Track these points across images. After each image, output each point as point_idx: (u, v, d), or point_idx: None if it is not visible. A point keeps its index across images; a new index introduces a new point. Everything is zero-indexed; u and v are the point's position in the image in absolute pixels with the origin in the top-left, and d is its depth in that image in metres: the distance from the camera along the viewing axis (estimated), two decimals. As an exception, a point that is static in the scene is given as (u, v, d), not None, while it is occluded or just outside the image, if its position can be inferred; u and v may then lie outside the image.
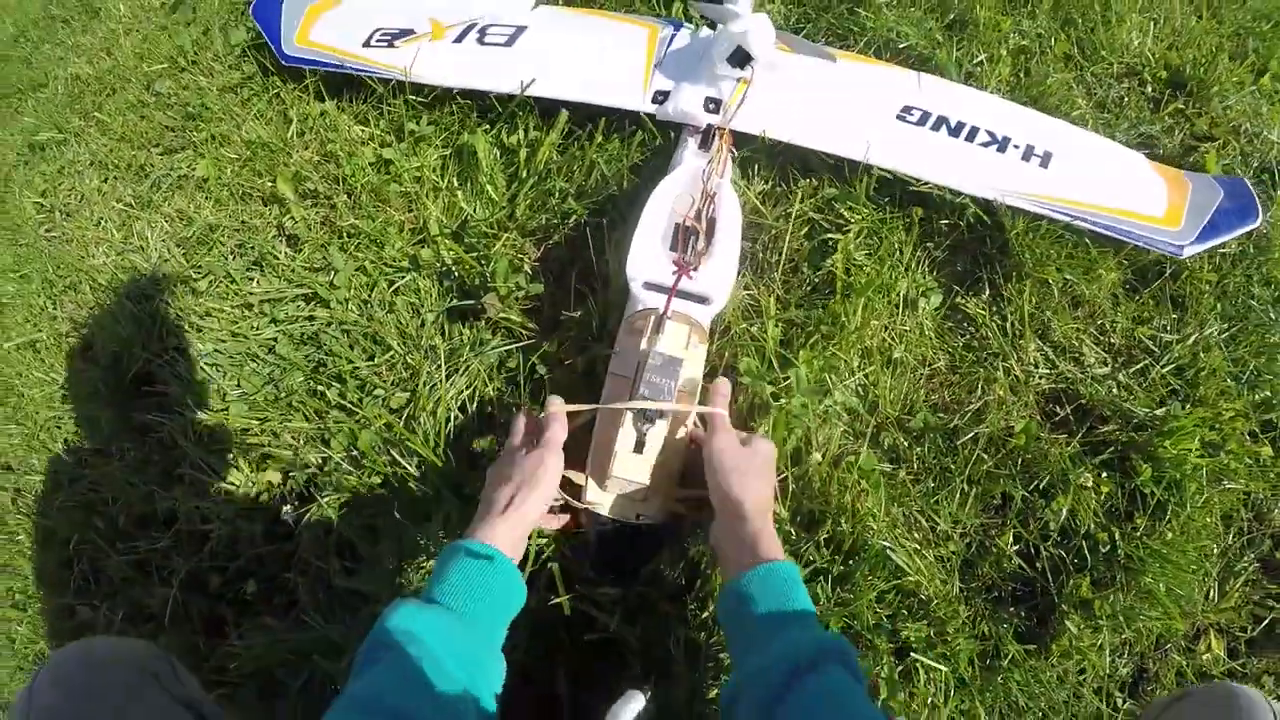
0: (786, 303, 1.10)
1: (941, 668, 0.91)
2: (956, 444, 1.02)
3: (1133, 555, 0.96)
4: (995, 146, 1.12)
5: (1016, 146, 1.12)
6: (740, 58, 1.08)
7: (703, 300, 0.95)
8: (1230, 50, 1.36)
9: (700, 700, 0.89)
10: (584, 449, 0.88)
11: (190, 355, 1.16)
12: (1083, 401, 1.05)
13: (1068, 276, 1.10)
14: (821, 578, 0.94)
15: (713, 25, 1.21)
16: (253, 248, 1.23)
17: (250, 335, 1.16)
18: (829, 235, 1.13)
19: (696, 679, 0.90)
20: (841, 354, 1.04)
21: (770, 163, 1.19)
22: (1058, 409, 1.06)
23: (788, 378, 0.98)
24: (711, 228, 1.01)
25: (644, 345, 0.89)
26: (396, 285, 1.15)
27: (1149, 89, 1.33)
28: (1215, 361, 1.06)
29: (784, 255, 1.12)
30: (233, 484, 1.07)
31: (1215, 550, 0.99)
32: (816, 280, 1.11)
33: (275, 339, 1.15)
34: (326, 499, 1.02)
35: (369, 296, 1.16)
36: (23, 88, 1.69)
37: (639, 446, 0.84)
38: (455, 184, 1.22)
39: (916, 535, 0.97)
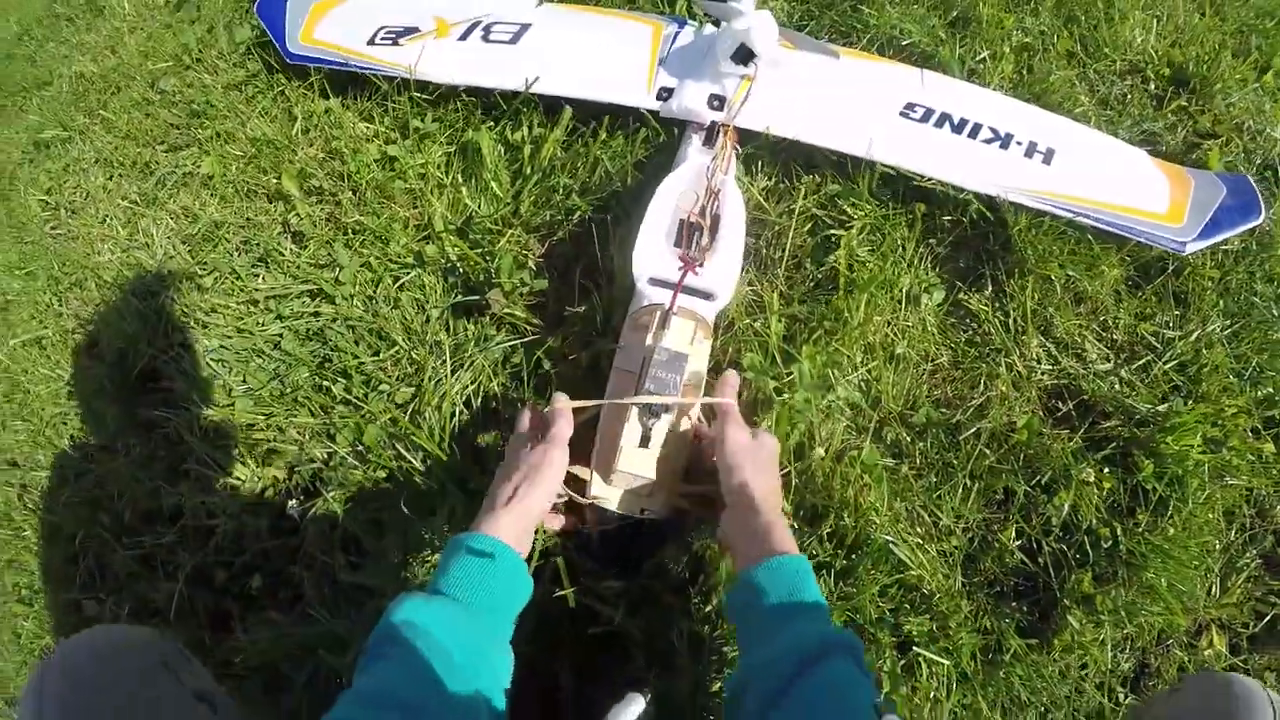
0: (790, 298, 1.10)
1: (944, 662, 0.91)
2: (959, 439, 1.02)
3: (1135, 551, 0.96)
4: (998, 143, 1.12)
5: (1019, 143, 1.12)
6: (744, 55, 1.08)
7: (708, 296, 0.96)
8: (1233, 47, 1.36)
9: (703, 693, 0.90)
10: (588, 445, 0.89)
11: (196, 351, 1.17)
12: (1085, 397, 1.06)
13: (1070, 273, 1.11)
14: (824, 572, 0.94)
15: (716, 22, 1.21)
16: (258, 244, 1.24)
17: (256, 331, 1.16)
18: (832, 231, 1.13)
19: (699, 671, 0.90)
20: (844, 349, 1.04)
21: (773, 159, 1.19)
22: (1060, 405, 1.06)
23: (791, 373, 0.99)
24: (716, 224, 1.02)
25: (649, 341, 0.90)
26: (401, 281, 1.16)
27: (1152, 86, 1.33)
28: (1217, 358, 1.06)
29: (787, 251, 1.12)
30: (238, 479, 1.08)
31: (1217, 546, 1.00)
32: (820, 276, 1.12)
33: (280, 335, 1.15)
34: (332, 494, 1.03)
35: (374, 292, 1.16)
36: (27, 86, 1.70)
37: (645, 441, 0.85)
38: (460, 180, 1.22)
39: (919, 530, 0.98)
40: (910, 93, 1.17)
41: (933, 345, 1.09)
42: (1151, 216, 1.08)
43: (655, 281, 0.95)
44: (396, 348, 1.11)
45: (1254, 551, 1.00)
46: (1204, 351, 1.07)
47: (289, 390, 1.11)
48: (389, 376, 1.10)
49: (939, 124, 1.13)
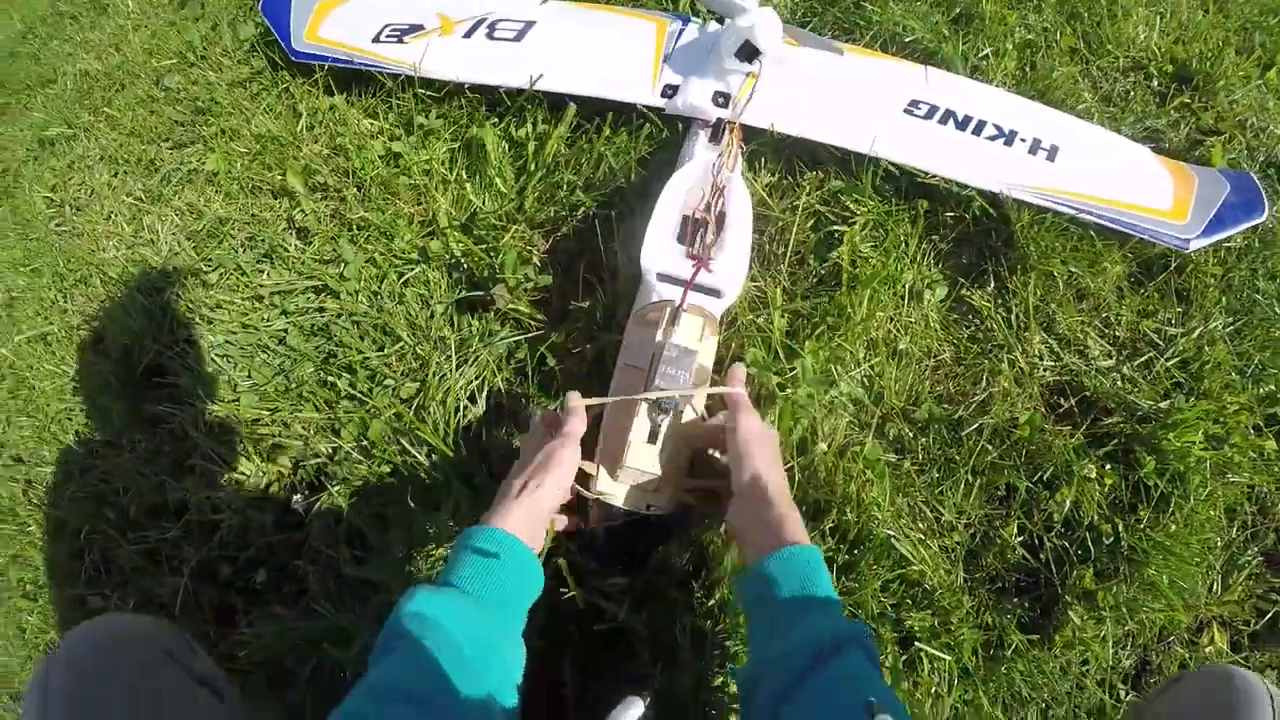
0: (793, 294, 1.10)
1: (945, 657, 0.91)
2: (961, 435, 1.02)
3: (1136, 547, 0.96)
4: (1001, 140, 1.13)
5: (1023, 140, 1.13)
6: (748, 52, 1.08)
7: (716, 293, 0.96)
8: (1236, 44, 1.36)
9: (706, 688, 0.90)
10: (593, 442, 0.89)
11: (201, 347, 1.17)
12: (1087, 394, 1.06)
13: (1073, 269, 1.11)
14: (827, 567, 0.94)
15: (721, 20, 1.21)
16: (263, 240, 1.24)
17: (261, 327, 1.17)
18: (835, 227, 1.13)
19: (703, 667, 0.90)
20: (847, 345, 1.05)
21: (777, 155, 1.19)
22: (1062, 401, 1.06)
23: (794, 368, 0.99)
24: (721, 221, 1.02)
25: (659, 337, 0.90)
26: (406, 277, 1.16)
27: (1155, 83, 1.33)
28: (1220, 355, 1.06)
29: (790, 247, 1.13)
30: (243, 474, 1.08)
31: (1218, 543, 1.00)
32: (823, 272, 1.12)
33: (286, 330, 1.16)
34: (336, 488, 1.03)
35: (379, 288, 1.16)
36: (32, 84, 1.70)
37: (653, 437, 0.85)
38: (464, 177, 1.23)
39: (921, 525, 0.98)
40: (914, 90, 1.17)
41: (935, 341, 1.09)
42: (1155, 213, 1.08)
43: (664, 277, 0.95)
44: (401, 343, 1.11)
45: (1255, 549, 1.01)
46: (1206, 348, 1.07)
47: (294, 385, 1.11)
48: (394, 372, 1.10)
49: (943, 121, 1.14)
